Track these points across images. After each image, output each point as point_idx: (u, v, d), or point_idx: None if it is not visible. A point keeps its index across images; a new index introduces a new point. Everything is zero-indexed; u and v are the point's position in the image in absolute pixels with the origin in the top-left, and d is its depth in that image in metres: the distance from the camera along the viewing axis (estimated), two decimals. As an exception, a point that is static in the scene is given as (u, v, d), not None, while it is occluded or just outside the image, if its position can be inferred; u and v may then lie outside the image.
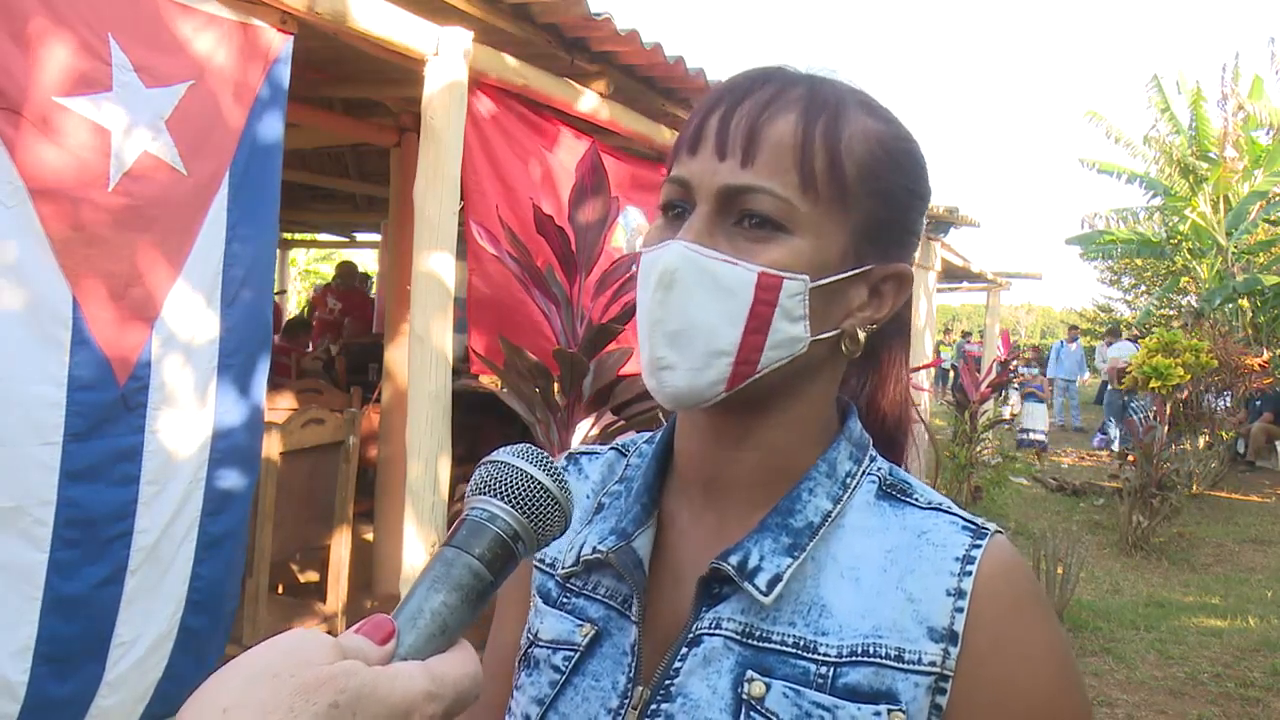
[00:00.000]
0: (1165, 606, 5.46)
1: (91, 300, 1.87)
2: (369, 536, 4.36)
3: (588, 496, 0.77)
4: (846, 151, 0.63)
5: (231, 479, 2.21)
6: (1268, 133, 13.01)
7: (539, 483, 0.54)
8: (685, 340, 0.63)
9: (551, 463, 0.56)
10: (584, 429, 2.76)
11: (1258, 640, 4.80)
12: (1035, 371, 14.48)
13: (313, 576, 4.21)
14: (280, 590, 3.95)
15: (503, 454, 0.55)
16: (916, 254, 0.71)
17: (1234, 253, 13.13)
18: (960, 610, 0.60)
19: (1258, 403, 10.93)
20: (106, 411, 1.91)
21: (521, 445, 0.56)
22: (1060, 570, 4.70)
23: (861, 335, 0.66)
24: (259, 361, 2.25)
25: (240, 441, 2.23)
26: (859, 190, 0.63)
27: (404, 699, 0.44)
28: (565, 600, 0.72)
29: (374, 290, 9.43)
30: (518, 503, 0.53)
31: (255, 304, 2.23)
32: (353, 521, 3.66)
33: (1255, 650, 4.66)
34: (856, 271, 0.65)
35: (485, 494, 0.54)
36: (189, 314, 2.06)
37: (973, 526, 0.64)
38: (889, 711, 0.59)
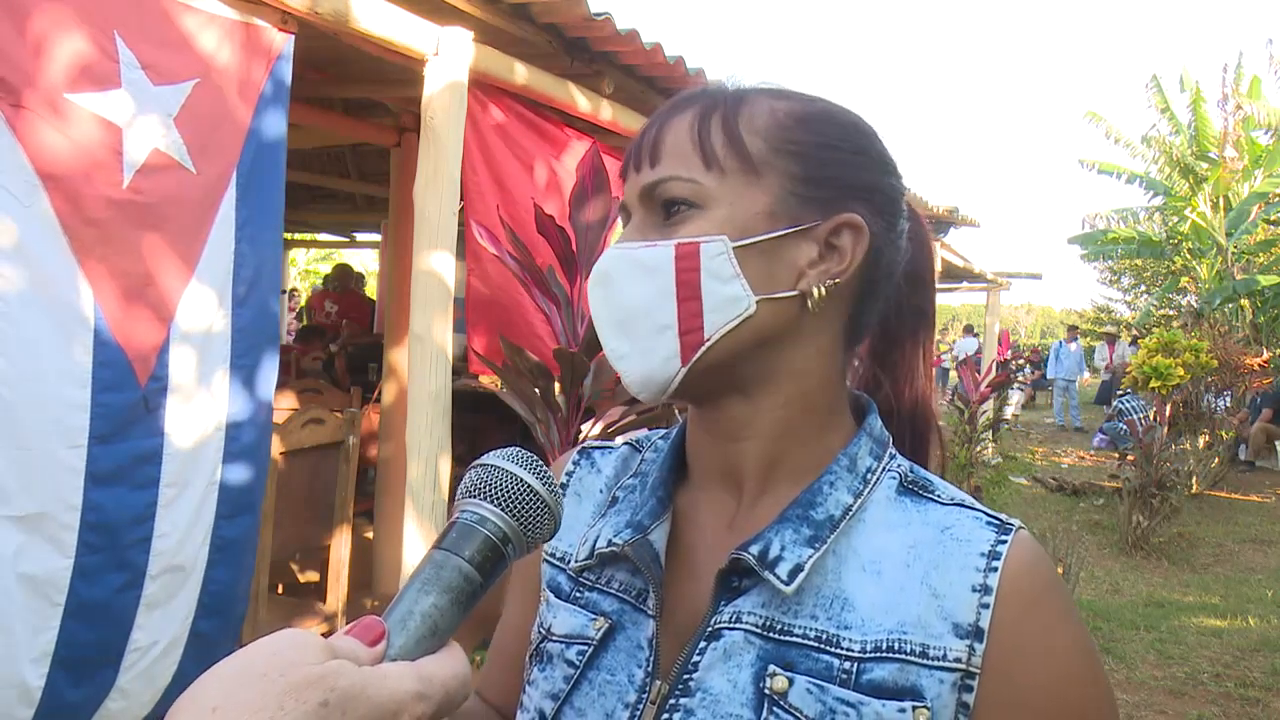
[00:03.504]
0: (1165, 606, 5.46)
1: (111, 299, 1.85)
2: (369, 536, 4.36)
3: (601, 490, 0.77)
4: (746, 126, 0.66)
5: (244, 480, 2.20)
6: (1268, 133, 13.01)
7: (528, 486, 0.54)
8: (629, 325, 0.67)
9: (541, 466, 0.56)
10: (584, 429, 2.76)
11: (1258, 640, 4.80)
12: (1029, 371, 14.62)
13: (313, 576, 4.20)
14: (280, 590, 3.95)
15: (492, 457, 0.56)
16: (897, 213, 0.70)
17: (1234, 253, 13.14)
18: (986, 606, 0.60)
19: (1258, 400, 10.91)
20: (129, 413, 1.90)
21: (512, 449, 0.57)
22: (1060, 570, 4.71)
23: (820, 291, 0.65)
24: (268, 362, 2.25)
25: (251, 442, 2.22)
26: (768, 155, 0.65)
27: (392, 698, 0.45)
28: (578, 594, 0.72)
29: (370, 288, 9.42)
30: (507, 506, 0.54)
31: (264, 303, 2.22)
32: (353, 521, 3.66)
33: (1255, 650, 4.66)
34: (793, 230, 0.65)
35: (475, 497, 0.54)
36: (203, 314, 2.06)
37: (997, 522, 0.64)
38: (914, 708, 0.59)
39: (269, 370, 2.25)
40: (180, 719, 0.41)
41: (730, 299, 0.64)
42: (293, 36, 2.24)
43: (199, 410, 2.06)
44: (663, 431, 0.79)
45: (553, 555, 0.76)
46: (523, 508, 0.54)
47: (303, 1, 2.12)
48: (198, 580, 2.11)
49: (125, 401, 1.88)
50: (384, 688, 0.45)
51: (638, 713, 0.64)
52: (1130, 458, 7.91)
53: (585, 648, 0.68)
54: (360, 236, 9.90)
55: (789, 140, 0.66)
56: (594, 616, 0.69)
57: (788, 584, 0.62)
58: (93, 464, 1.82)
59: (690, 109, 0.67)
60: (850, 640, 0.61)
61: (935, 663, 0.60)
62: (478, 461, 0.56)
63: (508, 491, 0.54)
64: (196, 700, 0.42)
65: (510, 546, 0.53)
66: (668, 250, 0.64)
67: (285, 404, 4.41)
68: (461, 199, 2.61)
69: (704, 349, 0.64)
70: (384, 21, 2.34)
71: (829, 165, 0.66)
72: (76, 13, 1.77)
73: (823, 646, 0.61)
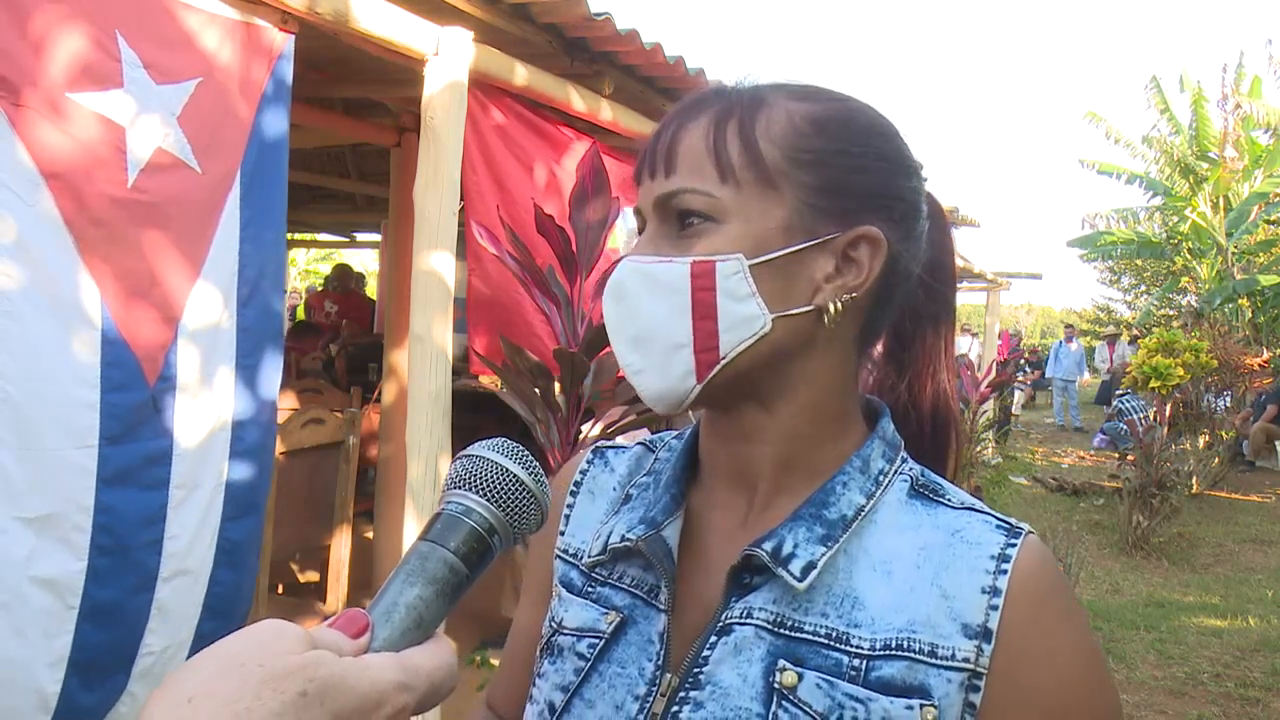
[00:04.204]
0: (1165, 606, 5.46)
1: (117, 299, 1.84)
2: (369, 536, 4.36)
3: (614, 488, 0.78)
4: (763, 135, 0.65)
5: (249, 481, 2.20)
6: (1268, 133, 13.01)
7: (514, 476, 0.54)
8: (645, 342, 0.66)
9: (528, 456, 0.56)
10: (584, 429, 2.76)
11: (1258, 640, 4.80)
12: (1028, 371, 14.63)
13: (313, 576, 4.21)
14: (280, 590, 3.96)
15: (478, 448, 0.56)
16: (917, 217, 0.69)
17: (1234, 253, 13.14)
18: (995, 608, 0.61)
19: (1262, 398, 10.87)
20: (138, 413, 1.89)
21: (498, 439, 0.57)
22: (1060, 570, 4.71)
23: (836, 306, 0.65)
24: (272, 362, 2.24)
25: (256, 442, 2.21)
26: (785, 166, 0.64)
27: (374, 689, 0.44)
28: (590, 589, 0.73)
29: (370, 288, 9.41)
30: (493, 497, 0.53)
31: (268, 303, 2.22)
32: (353, 521, 3.66)
33: (1255, 650, 4.66)
34: (810, 244, 0.64)
35: (461, 488, 0.54)
36: (209, 313, 2.05)
37: (1006, 526, 0.65)
38: (922, 706, 0.59)
39: (272, 370, 2.25)
40: (157, 708, 0.40)
41: (746, 318, 0.64)
42: (293, 36, 2.24)
43: (205, 410, 2.05)
44: (675, 432, 0.79)
45: (565, 551, 0.77)
46: (509, 498, 0.54)
47: (303, 1, 2.12)
48: (204, 582, 2.11)
49: (134, 401, 1.87)
50: (365, 678, 0.44)
51: (647, 704, 0.65)
52: (1130, 458, 7.91)
53: (596, 641, 0.69)
54: (360, 236, 9.90)
55: (806, 149, 0.64)
56: (606, 611, 0.70)
57: (800, 580, 0.63)
58: (103, 465, 1.81)
59: (706, 113, 0.66)
60: (860, 638, 0.62)
61: (944, 662, 0.60)
62: (463, 453, 0.56)
63: (493, 482, 0.54)
64: (174, 690, 0.41)
65: (496, 537, 0.53)
66: (683, 268, 0.64)
67: (286, 404, 4.41)
68: (461, 199, 2.61)
69: (719, 367, 0.65)
70: (384, 21, 2.34)
71: (846, 174, 0.65)
72: (78, 12, 1.77)
73: (833, 643, 0.62)
